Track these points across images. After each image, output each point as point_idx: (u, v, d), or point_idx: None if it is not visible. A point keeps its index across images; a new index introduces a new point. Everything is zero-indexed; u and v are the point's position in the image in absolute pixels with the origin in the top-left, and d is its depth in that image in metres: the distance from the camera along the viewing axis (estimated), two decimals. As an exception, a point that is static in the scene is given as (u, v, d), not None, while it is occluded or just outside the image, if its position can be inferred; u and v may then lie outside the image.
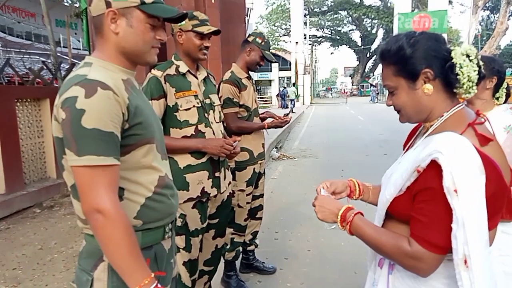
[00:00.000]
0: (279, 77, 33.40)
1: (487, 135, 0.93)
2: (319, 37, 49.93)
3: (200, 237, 1.97)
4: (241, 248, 2.75)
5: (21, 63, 10.46)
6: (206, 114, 1.94)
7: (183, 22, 1.86)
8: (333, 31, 49.61)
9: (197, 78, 1.97)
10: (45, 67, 6.24)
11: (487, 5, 31.82)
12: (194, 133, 1.88)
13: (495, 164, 0.89)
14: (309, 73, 33.09)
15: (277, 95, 27.56)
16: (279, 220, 4.06)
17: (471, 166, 0.86)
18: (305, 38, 34.43)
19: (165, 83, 1.85)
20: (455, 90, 0.98)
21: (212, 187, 1.95)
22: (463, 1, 43.32)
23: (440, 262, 0.91)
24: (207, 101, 1.98)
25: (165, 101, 1.84)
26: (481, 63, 0.98)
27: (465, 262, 0.85)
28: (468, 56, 0.96)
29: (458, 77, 0.96)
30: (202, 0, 4.67)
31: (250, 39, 2.57)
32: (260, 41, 2.56)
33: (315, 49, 48.73)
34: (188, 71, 1.93)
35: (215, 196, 1.98)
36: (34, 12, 18.96)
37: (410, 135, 1.17)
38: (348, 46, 50.89)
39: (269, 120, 2.84)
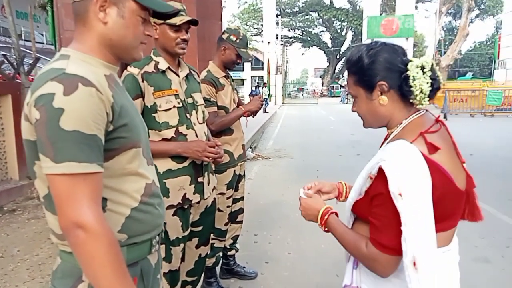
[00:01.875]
0: (251, 77, 33.39)
1: (435, 144, 0.96)
2: (290, 38, 50.34)
3: (181, 246, 1.84)
4: (221, 253, 2.64)
5: (-22, 56, 9.75)
6: (188, 115, 1.79)
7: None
8: (304, 32, 50.17)
9: (178, 75, 1.82)
10: (6, 61, 5.83)
11: (449, 11, 33.25)
12: (174, 136, 1.74)
13: (442, 170, 0.94)
14: (281, 73, 33.26)
15: (250, 95, 27.53)
16: (257, 222, 3.98)
17: (414, 171, 0.90)
18: (277, 38, 34.57)
19: (142, 81, 1.69)
20: (411, 101, 1.02)
21: (194, 193, 1.81)
22: (428, 6, 45.19)
23: (397, 263, 0.95)
24: (189, 100, 1.83)
25: (143, 101, 1.69)
26: (437, 73, 1.01)
27: (414, 264, 0.89)
28: (422, 68, 0.99)
29: (411, 89, 0.99)
30: (178, -6, 4.51)
31: (224, 36, 2.42)
32: (234, 39, 2.40)
33: (286, 49, 49.09)
34: (169, 67, 1.77)
35: (198, 202, 1.85)
36: (-8, 3, 17.84)
37: (384, 140, 1.19)
38: (318, 47, 51.63)
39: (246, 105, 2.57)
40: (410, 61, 1.01)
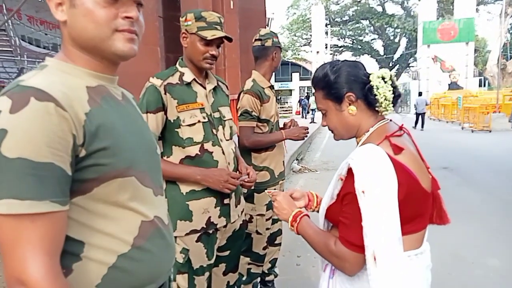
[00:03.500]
0: (299, 87, 33.15)
1: (399, 145, 1.03)
2: (340, 47, 49.45)
3: (206, 275, 1.66)
4: (258, 279, 2.44)
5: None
6: (214, 130, 1.64)
7: (189, 23, 1.58)
8: (354, 41, 49.06)
9: (205, 88, 1.67)
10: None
11: (516, 12, 30.68)
12: (199, 153, 1.58)
13: (407, 170, 0.99)
14: (330, 83, 32.62)
15: (298, 102, 27.33)
16: (301, 242, 3.70)
17: (378, 170, 0.96)
18: (326, 47, 34.12)
19: (165, 93, 1.55)
20: (376, 108, 1.11)
21: (220, 217, 1.64)
22: (490, 8, 42.16)
23: (361, 260, 0.98)
24: (216, 114, 1.67)
25: (164, 115, 1.55)
26: (396, 83, 1.12)
27: (374, 258, 0.94)
28: (383, 78, 1.10)
29: (376, 97, 1.09)
30: (221, 5, 4.46)
31: (269, 43, 2.27)
32: (277, 41, 2.29)
33: (336, 58, 48.33)
34: (194, 79, 1.63)
35: (224, 226, 1.67)
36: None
37: None
38: (370, 55, 50.13)
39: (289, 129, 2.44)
40: (371, 73, 1.11)
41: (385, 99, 1.09)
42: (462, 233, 3.77)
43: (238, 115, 2.21)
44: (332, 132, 1.19)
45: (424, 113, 14.90)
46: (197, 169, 1.57)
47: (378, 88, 1.08)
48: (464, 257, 3.27)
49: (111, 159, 0.75)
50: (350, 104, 1.11)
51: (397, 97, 1.11)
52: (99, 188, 0.75)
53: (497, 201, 4.95)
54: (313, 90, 1.20)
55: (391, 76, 1.12)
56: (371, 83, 1.09)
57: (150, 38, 4.49)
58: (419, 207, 1.04)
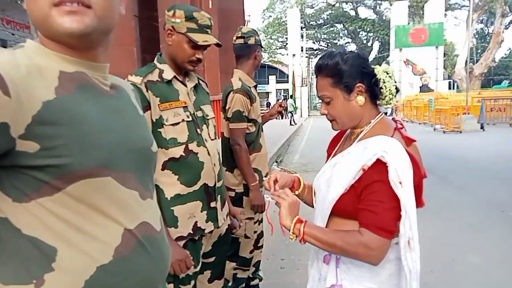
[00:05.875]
0: (276, 89, 33.33)
1: (410, 137, 1.13)
2: (315, 50, 50.12)
3: (192, 283, 1.57)
4: (244, 284, 2.37)
5: None
6: (198, 130, 1.55)
7: (178, 20, 1.47)
8: (329, 44, 49.83)
9: (186, 85, 1.57)
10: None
11: (481, 18, 32.10)
12: (183, 154, 1.49)
13: (417, 160, 1.07)
14: (306, 86, 32.98)
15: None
16: (284, 244, 3.66)
17: (406, 162, 1.03)
18: (302, 50, 34.48)
19: (147, 91, 1.45)
20: (378, 102, 1.17)
21: (207, 221, 1.55)
22: (457, 14, 43.87)
23: (388, 248, 1.03)
24: (199, 113, 1.59)
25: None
26: (394, 79, 1.17)
27: (409, 243, 1.01)
28: (387, 73, 1.15)
29: (382, 90, 1.14)
30: (199, 4, 4.37)
31: (251, 41, 2.21)
32: (259, 39, 2.26)
33: (311, 61, 48.91)
34: (175, 77, 1.53)
35: (210, 232, 1.59)
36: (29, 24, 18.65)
37: (333, 142, 1.34)
38: (344, 58, 51.09)
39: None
40: (375, 67, 1.15)
41: (390, 92, 1.14)
42: (441, 230, 3.84)
43: (229, 116, 2.13)
44: (332, 121, 1.20)
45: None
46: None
47: (384, 82, 1.13)
48: (444, 254, 3.32)
49: (73, 157, 0.65)
50: (358, 95, 1.14)
51: (397, 92, 1.17)
52: (67, 189, 0.66)
53: (472, 198, 5.09)
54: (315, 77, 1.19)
55: (392, 72, 1.17)
56: (378, 76, 1.14)
57: (125, 38, 4.34)
58: (420, 193, 1.12)
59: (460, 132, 12.94)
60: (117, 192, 0.72)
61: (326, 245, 1.08)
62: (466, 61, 16.59)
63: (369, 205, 1.03)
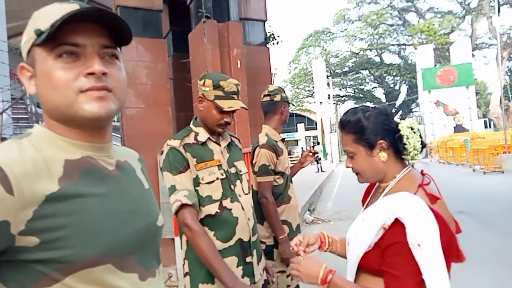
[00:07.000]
0: (305, 136, 33.54)
1: (435, 195, 1.08)
2: (342, 96, 50.61)
3: None
4: None
5: None
6: (232, 186, 1.64)
7: (207, 89, 1.62)
8: (356, 90, 50.29)
9: (219, 145, 1.70)
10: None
11: (511, 55, 31.63)
12: (218, 211, 1.57)
13: (443, 218, 1.03)
14: (335, 131, 33.02)
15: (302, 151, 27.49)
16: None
17: (428, 222, 0.99)
18: (328, 98, 34.98)
19: (185, 152, 1.58)
20: (403, 156, 1.17)
21: (243, 277, 1.58)
22: (485, 53, 43.46)
23: None
24: (232, 170, 1.69)
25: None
26: (421, 133, 1.17)
27: None
28: (412, 128, 1.15)
29: (405, 146, 1.14)
30: (229, 65, 4.70)
31: (278, 98, 2.36)
32: (285, 95, 2.40)
33: (339, 107, 49.27)
34: (209, 138, 1.66)
35: None
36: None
37: (367, 193, 1.33)
38: (372, 103, 51.02)
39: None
40: (399, 123, 1.16)
41: (414, 148, 1.14)
42: (487, 278, 3.59)
43: (256, 170, 2.24)
44: (357, 174, 1.22)
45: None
46: (233, 275, 1.46)
47: (408, 138, 1.13)
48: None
49: (75, 248, 0.64)
50: (381, 151, 1.15)
51: (423, 147, 1.16)
52: (65, 280, 0.64)
53: (521, 245, 4.76)
54: (340, 132, 1.23)
55: (418, 127, 1.17)
56: (401, 132, 1.14)
57: (162, 99, 4.70)
58: (451, 252, 1.07)
59: (502, 172, 12.33)
60: (113, 279, 0.69)
61: None
62: (501, 99, 16.22)
63: (392, 268, 1.01)
